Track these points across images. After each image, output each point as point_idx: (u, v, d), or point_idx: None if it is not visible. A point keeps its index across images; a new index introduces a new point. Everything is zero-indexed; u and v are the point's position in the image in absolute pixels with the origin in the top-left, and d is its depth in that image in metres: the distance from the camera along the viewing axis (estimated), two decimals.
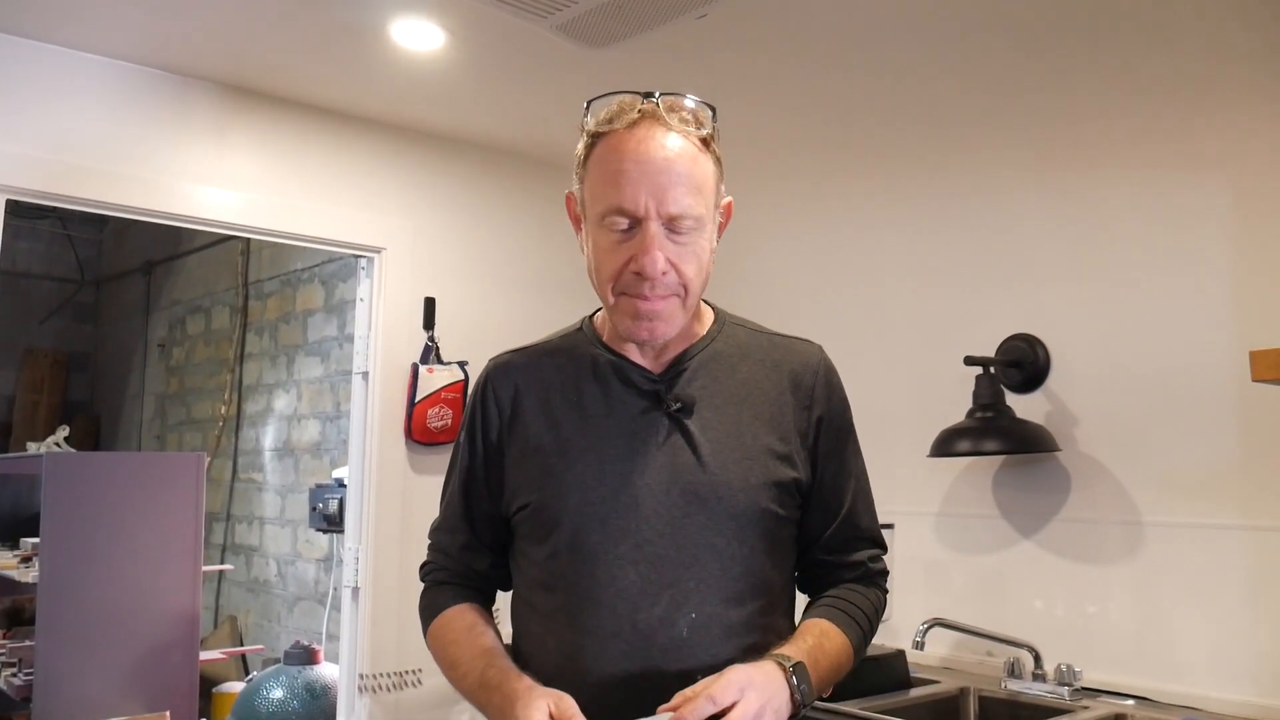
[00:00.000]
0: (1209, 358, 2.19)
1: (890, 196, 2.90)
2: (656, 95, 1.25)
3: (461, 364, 2.99)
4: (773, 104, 2.68)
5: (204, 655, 3.92)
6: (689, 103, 1.26)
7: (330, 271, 4.81)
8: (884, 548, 1.41)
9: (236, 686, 4.18)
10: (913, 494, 2.70)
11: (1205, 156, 2.23)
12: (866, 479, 1.41)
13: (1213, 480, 2.18)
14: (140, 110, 2.55)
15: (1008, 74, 2.42)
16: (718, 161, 1.29)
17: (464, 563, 1.39)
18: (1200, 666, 2.16)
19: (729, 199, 1.33)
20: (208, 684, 4.23)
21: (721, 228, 1.33)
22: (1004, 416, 2.41)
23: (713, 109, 1.29)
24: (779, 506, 1.28)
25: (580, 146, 1.29)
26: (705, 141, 1.26)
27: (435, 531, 1.43)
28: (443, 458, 2.96)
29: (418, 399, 2.90)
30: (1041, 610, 2.43)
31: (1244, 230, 2.17)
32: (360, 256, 2.96)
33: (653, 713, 1.11)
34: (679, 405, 1.28)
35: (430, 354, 2.96)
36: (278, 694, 3.70)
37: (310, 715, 3.65)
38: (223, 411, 5.54)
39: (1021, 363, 2.50)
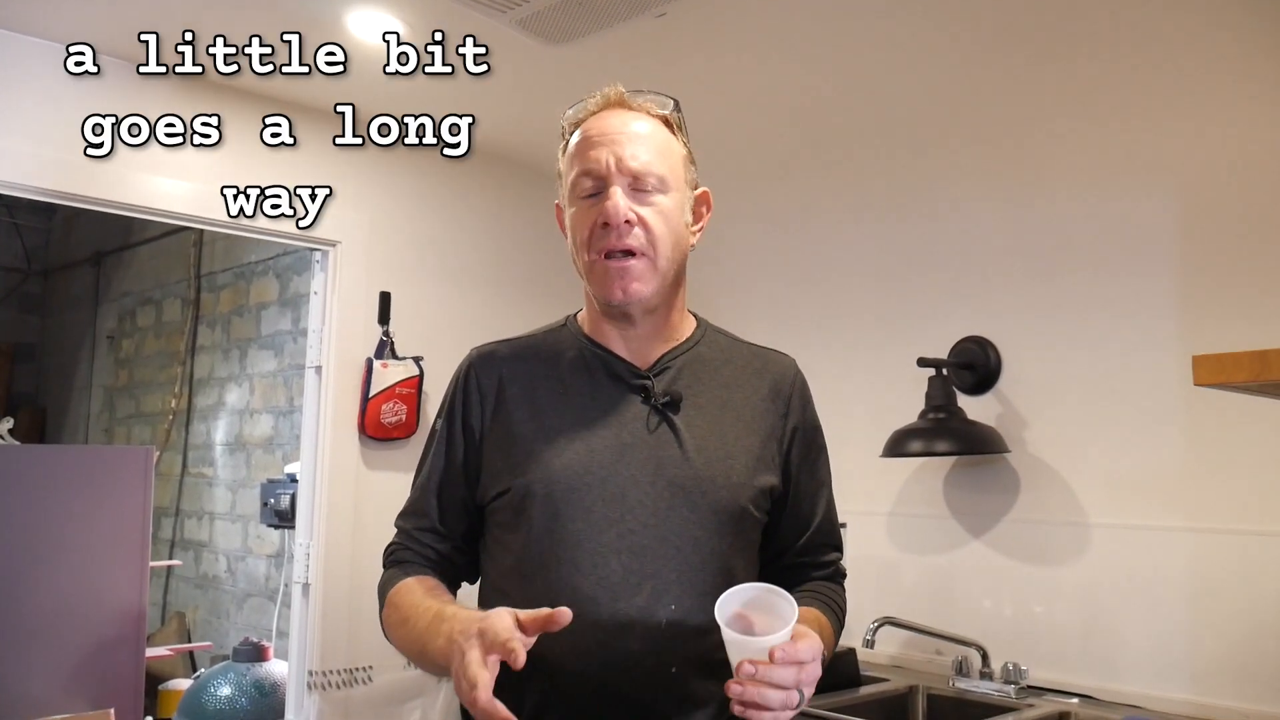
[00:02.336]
0: (1154, 362, 2.23)
1: (847, 198, 2.92)
2: (622, 89, 1.33)
3: (417, 359, 2.96)
4: (730, 104, 2.69)
5: (150, 652, 3.85)
6: (649, 92, 1.34)
7: (285, 264, 4.76)
8: (843, 551, 1.45)
9: (184, 683, 4.12)
10: (865, 494, 2.72)
11: (1153, 165, 2.28)
12: (832, 488, 1.44)
13: (1157, 483, 2.22)
14: (90, 97, 2.50)
15: (965, 81, 2.45)
16: (685, 145, 1.35)
17: (429, 545, 1.38)
18: (1143, 665, 2.20)
19: (704, 189, 1.37)
20: (154, 681, 4.17)
21: (699, 215, 1.37)
22: (955, 418, 2.44)
23: (675, 101, 1.36)
24: (755, 508, 1.30)
25: (560, 149, 1.36)
26: (667, 122, 1.33)
27: (402, 516, 1.42)
28: (396, 453, 2.96)
29: (372, 394, 2.87)
30: (990, 609, 2.47)
31: (1189, 237, 2.22)
32: (315, 250, 2.92)
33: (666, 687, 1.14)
34: (667, 399, 1.29)
35: (385, 349, 2.93)
36: (225, 691, 3.65)
37: (259, 713, 3.60)
38: (173, 405, 5.45)
39: (974, 365, 2.53)
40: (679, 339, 1.36)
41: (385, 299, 2.96)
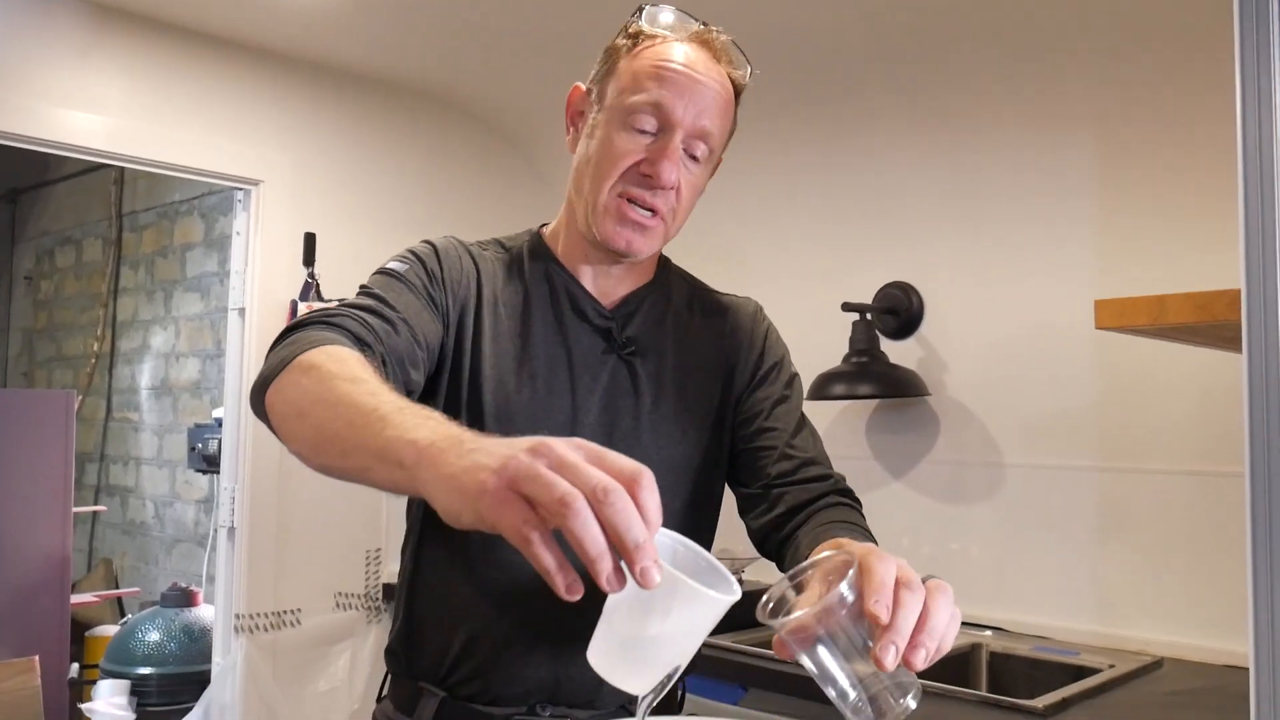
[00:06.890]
0: (1067, 307, 2.29)
1: (775, 144, 2.92)
2: (715, 29, 1.24)
3: (342, 301, 2.92)
4: None
5: (76, 598, 3.80)
6: (738, 53, 1.27)
7: (211, 204, 4.64)
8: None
9: (111, 630, 4.08)
10: None
11: (1071, 115, 2.32)
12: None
13: (1068, 424, 2.29)
14: None
15: (889, 33, 2.46)
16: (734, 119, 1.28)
17: (371, 325, 1.12)
18: (1052, 599, 2.29)
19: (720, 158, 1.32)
20: (81, 628, 4.12)
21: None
22: (878, 362, 2.49)
23: (751, 68, 1.29)
24: (712, 460, 1.26)
25: (619, 39, 1.24)
26: (736, 89, 1.26)
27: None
28: None
29: None
30: (908, 548, 2.54)
31: (1104, 186, 2.27)
32: (237, 189, 2.86)
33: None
34: (631, 348, 1.24)
35: (310, 291, 2.89)
36: (154, 636, 3.63)
37: (188, 657, 3.59)
38: (95, 348, 5.33)
39: (897, 310, 2.57)
40: (646, 278, 1.31)
41: (310, 240, 2.91)
